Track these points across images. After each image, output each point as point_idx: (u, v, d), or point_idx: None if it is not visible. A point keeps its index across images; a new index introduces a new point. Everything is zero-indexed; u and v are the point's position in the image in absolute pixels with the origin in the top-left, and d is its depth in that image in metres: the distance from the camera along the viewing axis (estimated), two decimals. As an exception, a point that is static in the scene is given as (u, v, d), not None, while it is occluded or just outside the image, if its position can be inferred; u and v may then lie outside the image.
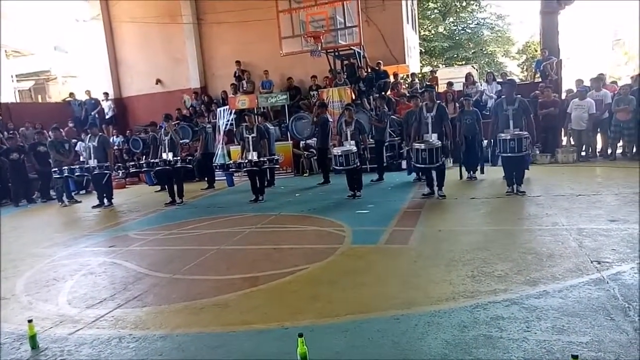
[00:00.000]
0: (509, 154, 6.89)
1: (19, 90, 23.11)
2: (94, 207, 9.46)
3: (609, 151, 10.35)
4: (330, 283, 4.01)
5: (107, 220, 8.21)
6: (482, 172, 9.03)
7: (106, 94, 16.07)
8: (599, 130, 10.47)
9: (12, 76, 22.54)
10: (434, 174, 7.30)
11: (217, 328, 3.34)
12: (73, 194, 11.02)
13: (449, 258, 4.36)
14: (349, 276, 4.14)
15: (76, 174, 9.66)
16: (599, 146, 10.75)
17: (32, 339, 3.24)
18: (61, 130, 10.72)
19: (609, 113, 10.16)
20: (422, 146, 7.00)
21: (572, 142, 10.65)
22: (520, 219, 5.72)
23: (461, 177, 8.94)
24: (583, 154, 10.47)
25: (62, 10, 19.64)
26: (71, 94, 16.65)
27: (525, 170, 7.43)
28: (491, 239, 4.88)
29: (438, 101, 7.46)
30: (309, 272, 4.35)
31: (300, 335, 2.57)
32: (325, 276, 4.22)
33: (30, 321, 3.24)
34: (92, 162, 9.31)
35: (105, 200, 9.53)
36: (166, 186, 9.50)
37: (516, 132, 6.85)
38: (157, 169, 9.09)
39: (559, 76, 12.06)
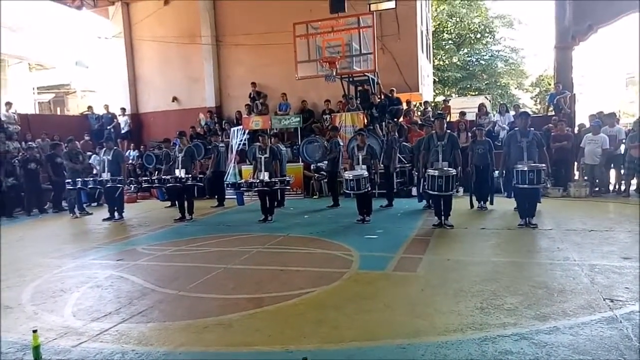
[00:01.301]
0: (527, 186, 6.82)
1: (38, 102, 23.68)
2: (104, 219, 9.53)
3: (622, 187, 10.24)
4: (336, 308, 3.96)
5: (117, 233, 8.25)
6: (491, 202, 8.96)
7: (123, 109, 16.39)
8: (612, 165, 10.40)
9: (33, 88, 23.14)
10: (442, 202, 7.26)
11: (220, 348, 3.31)
12: (85, 205, 11.13)
13: (457, 288, 4.30)
14: (355, 302, 4.09)
15: (89, 186, 9.78)
16: (612, 182, 10.65)
17: (36, 350, 3.22)
18: (77, 142, 10.90)
19: (624, 149, 10.10)
20: (437, 173, 7.00)
21: (585, 177, 10.57)
22: (531, 252, 5.64)
23: (471, 206, 8.89)
24: (596, 189, 10.37)
25: (86, 27, 20.26)
26: (89, 108, 17.00)
27: (537, 203, 7.37)
28: (501, 271, 4.81)
29: (448, 130, 7.48)
30: (315, 296, 4.31)
31: (305, 360, 2.54)
32: (331, 300, 4.18)
33: (35, 331, 3.24)
34: (106, 175, 9.43)
35: (116, 214, 9.61)
36: (176, 202, 9.57)
37: (533, 164, 6.80)
38: (168, 185, 9.17)
39: (572, 110, 12.07)
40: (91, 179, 9.79)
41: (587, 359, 2.86)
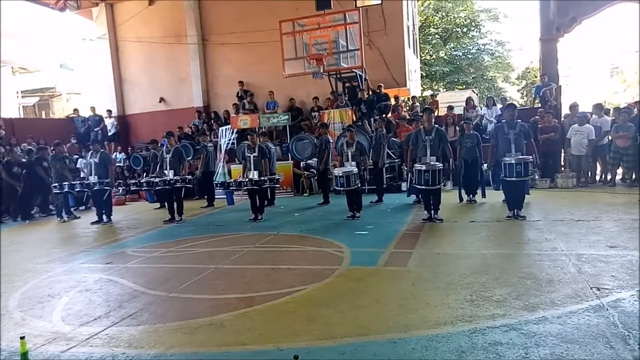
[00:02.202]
0: (515, 178, 6.88)
1: (23, 106, 23.34)
2: (92, 223, 9.44)
3: (609, 177, 10.37)
4: (328, 304, 3.97)
5: (106, 236, 8.18)
6: (483, 195, 9.02)
7: (109, 111, 16.23)
8: (598, 156, 10.52)
9: (17, 92, 22.81)
10: (431, 197, 7.30)
11: (211, 348, 3.30)
12: (72, 209, 11.00)
13: (447, 281, 4.33)
14: (346, 298, 4.10)
15: (76, 189, 9.66)
16: (598, 172, 10.79)
17: (24, 356, 3.16)
18: (63, 145, 10.75)
19: (609, 139, 10.23)
20: (424, 167, 7.04)
21: (570, 167, 10.70)
22: (520, 244, 5.70)
23: (461, 200, 8.95)
24: (582, 179, 10.49)
25: (69, 29, 20.05)
26: (75, 110, 16.81)
27: (525, 195, 7.43)
28: (490, 263, 4.85)
29: (436, 125, 7.52)
30: (307, 293, 4.31)
31: (296, 358, 2.53)
32: (322, 297, 4.18)
33: (22, 338, 3.19)
34: (93, 178, 9.31)
35: (104, 217, 9.51)
36: (166, 203, 9.50)
37: (521, 156, 6.86)
38: (157, 188, 9.09)
39: (559, 102, 12.19)
40: (78, 182, 9.66)
41: (574, 347, 2.90)
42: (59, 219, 10.25)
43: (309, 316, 3.75)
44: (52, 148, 10.54)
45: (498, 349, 2.94)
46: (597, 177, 10.73)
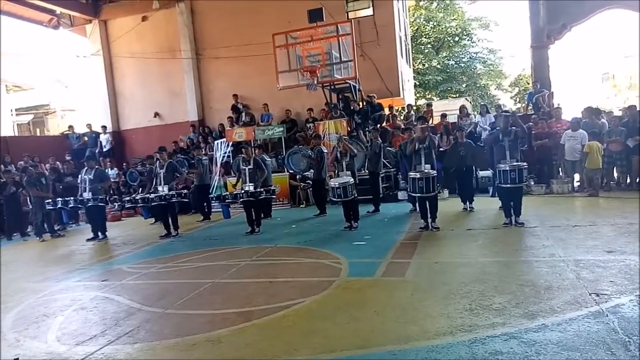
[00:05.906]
0: (510, 185, 6.91)
1: (17, 124, 23.30)
2: (88, 240, 9.36)
3: (603, 182, 10.39)
4: (326, 317, 3.93)
5: (101, 253, 8.11)
6: (470, 202, 9.00)
7: (104, 127, 16.21)
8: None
9: (11, 110, 22.79)
10: (427, 205, 7.29)
11: (209, 365, 3.26)
12: (70, 225, 10.89)
13: (446, 291, 4.30)
14: (345, 310, 4.06)
15: (70, 205, 9.60)
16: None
17: (18, 378, 3.13)
18: (33, 167, 10.64)
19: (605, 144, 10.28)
20: (418, 175, 7.06)
21: (562, 173, 10.74)
22: (517, 251, 5.69)
23: (465, 208, 8.91)
24: (577, 184, 10.51)
25: (64, 46, 20.14)
26: (70, 127, 16.79)
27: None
28: (488, 271, 4.83)
29: (429, 133, 7.54)
30: (305, 306, 4.28)
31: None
32: (321, 310, 4.14)
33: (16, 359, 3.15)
34: (87, 195, 9.25)
35: (100, 233, 9.44)
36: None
37: (515, 163, 6.89)
38: (153, 204, 9.04)
39: (551, 108, 12.27)
40: (72, 198, 9.59)
41: (575, 355, 2.87)
42: (38, 238, 10.15)
43: (307, 330, 3.71)
44: (22, 171, 10.47)
45: (499, 359, 2.91)
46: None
